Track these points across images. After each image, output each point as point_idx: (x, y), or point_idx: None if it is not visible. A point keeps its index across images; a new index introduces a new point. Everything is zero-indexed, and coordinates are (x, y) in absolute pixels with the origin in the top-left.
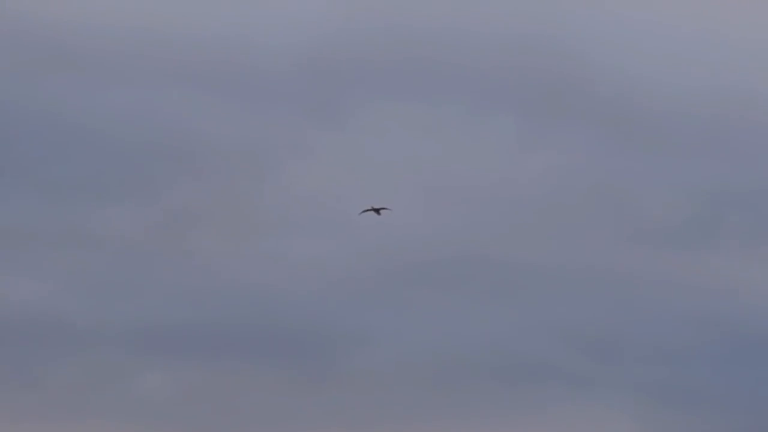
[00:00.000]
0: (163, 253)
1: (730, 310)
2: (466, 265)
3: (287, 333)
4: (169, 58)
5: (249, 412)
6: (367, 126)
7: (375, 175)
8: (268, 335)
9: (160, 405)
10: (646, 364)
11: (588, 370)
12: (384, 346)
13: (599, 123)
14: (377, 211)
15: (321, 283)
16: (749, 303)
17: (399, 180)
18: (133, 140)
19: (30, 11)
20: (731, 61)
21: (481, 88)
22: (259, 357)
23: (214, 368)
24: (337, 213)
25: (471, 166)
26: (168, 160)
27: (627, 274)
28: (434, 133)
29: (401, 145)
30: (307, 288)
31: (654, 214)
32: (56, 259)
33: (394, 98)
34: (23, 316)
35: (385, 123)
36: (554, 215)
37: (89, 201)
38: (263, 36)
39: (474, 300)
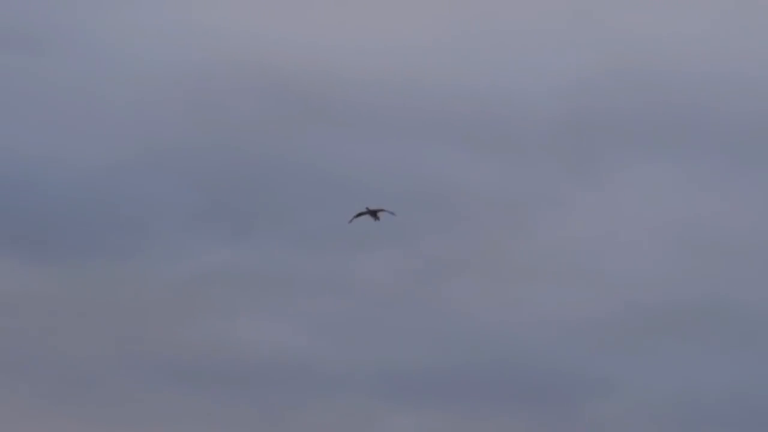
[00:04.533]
0: (414, 300)
1: None
2: (710, 312)
3: (531, 379)
4: (428, 110)
5: None
6: (623, 180)
7: (626, 228)
8: (513, 381)
9: None
10: None
11: None
12: (626, 393)
13: None
14: (373, 214)
15: (565, 330)
16: None
17: (650, 231)
18: (392, 190)
19: (293, 65)
20: None
21: (743, 139)
22: (503, 402)
23: (459, 412)
24: (585, 266)
25: (724, 216)
26: (426, 209)
27: None
28: (688, 184)
29: (654, 199)
30: (551, 335)
31: None
32: (310, 304)
33: (652, 153)
34: (274, 360)
35: (642, 178)
36: None
37: (346, 248)
38: (522, 87)
39: (718, 348)
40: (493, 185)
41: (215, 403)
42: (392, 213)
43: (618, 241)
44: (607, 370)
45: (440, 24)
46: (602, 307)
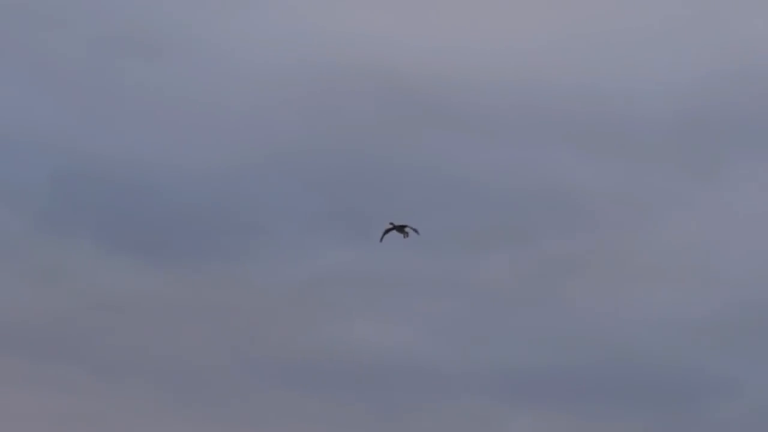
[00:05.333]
0: (534, 300)
1: None
2: None
3: (652, 380)
4: (546, 111)
5: None
6: (744, 179)
7: (748, 227)
8: (633, 382)
9: None
10: None
11: None
12: (750, 394)
13: None
14: (400, 230)
15: (687, 330)
16: None
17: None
18: (511, 191)
19: (411, 67)
20: None
21: None
22: (624, 403)
23: (579, 413)
24: (707, 265)
25: None
26: (545, 209)
27: None
28: None
29: None
30: (673, 335)
31: None
32: (428, 306)
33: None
34: (392, 362)
35: (763, 177)
36: None
37: (465, 249)
38: (642, 87)
39: None
40: (612, 185)
41: (333, 406)
42: (416, 231)
43: (740, 240)
44: (729, 371)
45: (559, 25)
46: (724, 307)
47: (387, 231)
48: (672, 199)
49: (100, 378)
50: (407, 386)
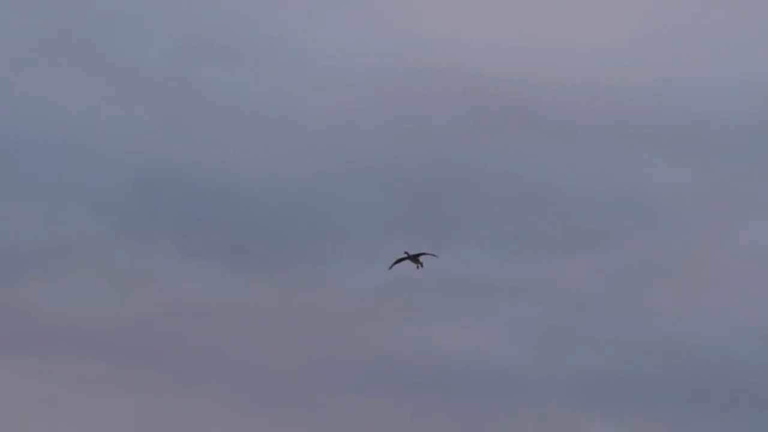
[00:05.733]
0: (615, 304)
1: None
2: None
3: (733, 385)
4: (629, 115)
5: None
6: None
7: None
8: (715, 387)
9: None
10: None
11: None
12: None
13: None
14: (414, 259)
15: (762, 340)
16: None
17: None
18: (594, 195)
19: (493, 72)
20: None
21: None
22: (705, 408)
23: (660, 419)
24: None
25: None
26: (629, 214)
27: None
28: None
29: None
30: (754, 341)
31: None
32: (509, 310)
33: None
34: (472, 366)
35: None
36: None
37: (546, 254)
38: (726, 90)
39: None
40: (695, 189)
41: (412, 409)
42: (434, 255)
43: None
44: None
45: (642, 28)
46: None
47: (399, 260)
48: (755, 203)
49: (180, 381)
50: (488, 390)
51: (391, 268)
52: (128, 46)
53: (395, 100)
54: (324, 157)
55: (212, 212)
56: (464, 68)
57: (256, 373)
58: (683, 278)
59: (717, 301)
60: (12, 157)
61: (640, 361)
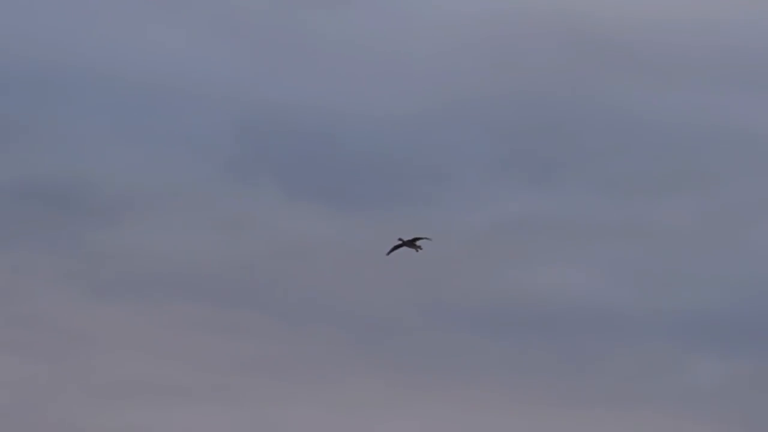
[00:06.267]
0: (717, 244)
1: None
2: None
3: None
4: (735, 53)
5: None
6: None
7: None
8: None
9: (712, 395)
10: None
11: None
12: None
13: None
14: (411, 244)
15: None
16: None
17: None
18: (696, 134)
19: (594, 9)
20: None
21: None
22: None
23: (765, 358)
24: None
25: None
26: (731, 153)
27: None
28: None
29: None
30: None
31: None
32: (611, 251)
33: None
34: (574, 307)
35: None
36: None
37: (647, 194)
38: None
39: None
40: None
41: (516, 352)
42: (428, 239)
43: None
44: None
45: None
46: None
47: (396, 247)
48: None
49: (284, 324)
50: (591, 331)
51: (388, 254)
52: None
53: (498, 41)
54: (427, 99)
55: (317, 155)
56: (567, 7)
57: (360, 316)
58: None
59: None
60: (116, 102)
61: (745, 301)
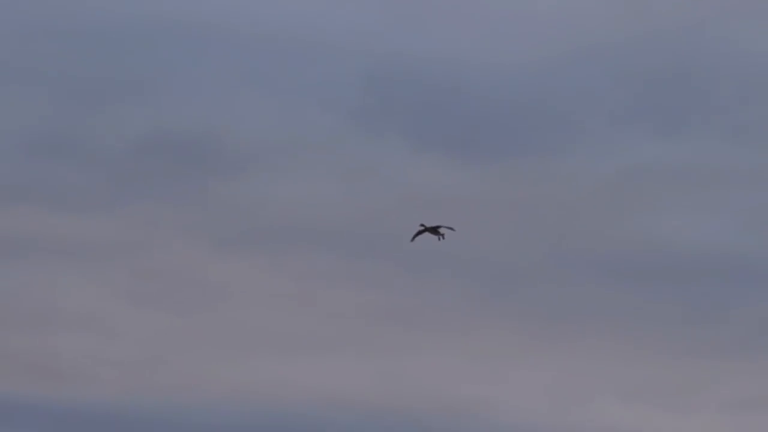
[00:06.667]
0: None
1: None
2: None
3: None
4: None
5: None
6: None
7: None
8: None
9: None
10: None
11: None
12: None
13: None
14: (434, 231)
15: None
16: None
17: None
18: None
19: None
20: None
21: None
22: None
23: None
24: None
25: None
26: None
27: None
28: None
29: None
30: None
31: None
32: (742, 199)
33: None
34: (703, 256)
35: None
36: None
37: None
38: None
39: None
40: None
41: (643, 300)
42: (452, 228)
43: None
44: None
45: None
46: None
47: (419, 233)
48: None
49: (412, 274)
50: (719, 280)
51: (412, 240)
52: None
53: None
54: (554, 47)
55: (442, 105)
56: None
57: (487, 266)
58: None
59: None
60: (243, 53)
61: None
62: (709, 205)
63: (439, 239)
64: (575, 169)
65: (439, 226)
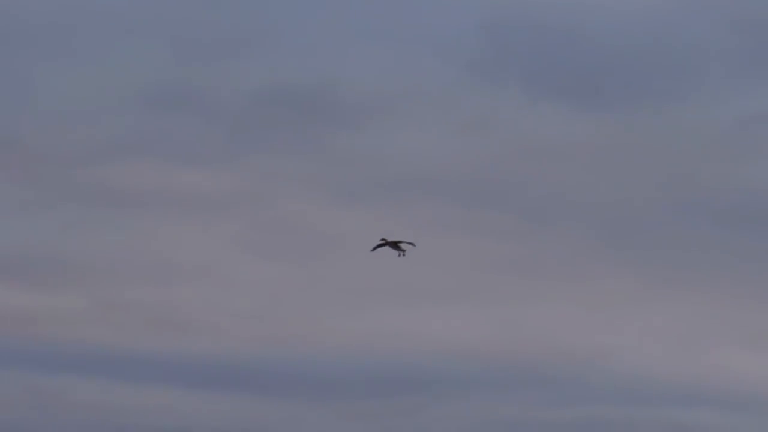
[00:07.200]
0: None
1: None
2: None
3: None
4: None
5: None
6: None
7: None
8: None
9: None
10: None
11: None
12: None
13: None
14: (395, 246)
15: None
16: None
17: None
18: None
19: None
20: None
21: None
22: None
23: None
24: None
25: None
26: None
27: None
28: None
29: None
30: None
31: None
32: None
33: None
34: None
35: None
36: None
37: None
38: None
39: None
40: None
41: (760, 246)
42: (412, 244)
43: None
44: None
45: None
46: None
47: (378, 246)
48: None
49: (530, 223)
50: None
51: (373, 251)
52: None
53: None
54: None
55: (561, 54)
56: None
57: (606, 214)
58: None
59: None
60: (360, 7)
61: None
62: None
63: (399, 255)
64: (694, 117)
65: (400, 241)
